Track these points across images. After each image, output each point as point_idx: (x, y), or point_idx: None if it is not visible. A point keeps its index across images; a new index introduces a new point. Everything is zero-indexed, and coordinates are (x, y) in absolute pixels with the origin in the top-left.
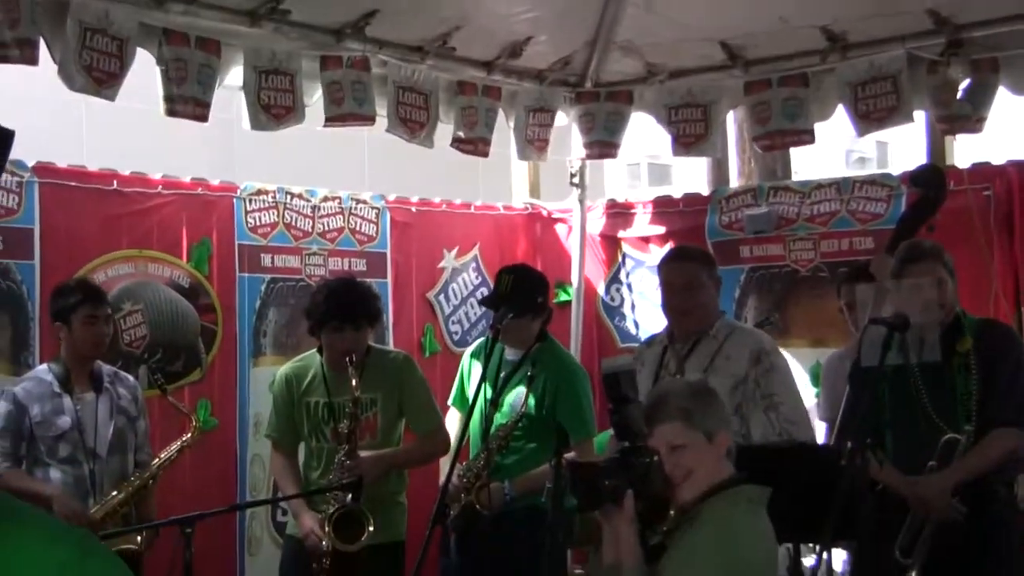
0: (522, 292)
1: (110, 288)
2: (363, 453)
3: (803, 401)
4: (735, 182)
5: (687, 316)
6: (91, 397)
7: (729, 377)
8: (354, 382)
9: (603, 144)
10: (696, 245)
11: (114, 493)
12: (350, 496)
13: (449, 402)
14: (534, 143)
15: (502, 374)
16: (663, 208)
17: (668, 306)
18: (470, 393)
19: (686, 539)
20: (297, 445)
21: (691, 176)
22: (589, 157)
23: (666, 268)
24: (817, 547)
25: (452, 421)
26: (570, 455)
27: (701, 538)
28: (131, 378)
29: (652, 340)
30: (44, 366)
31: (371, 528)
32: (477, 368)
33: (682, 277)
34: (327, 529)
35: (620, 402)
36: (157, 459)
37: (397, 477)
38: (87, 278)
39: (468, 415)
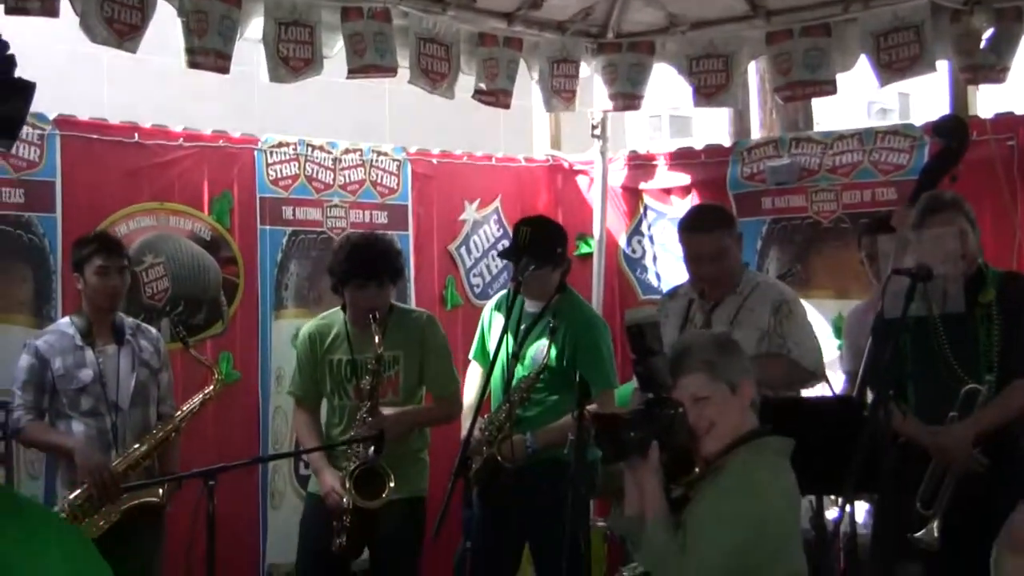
0: (541, 244)
1: (131, 241)
2: (385, 410)
3: (818, 342)
4: (757, 133)
5: (716, 283)
6: (113, 350)
7: (754, 330)
8: (377, 339)
9: (627, 96)
10: (715, 204)
11: (136, 446)
12: (372, 449)
13: (470, 356)
14: (561, 94)
15: (523, 326)
16: (684, 160)
17: (696, 275)
18: (491, 347)
19: (710, 490)
20: (320, 402)
21: (712, 128)
22: (614, 109)
23: (689, 239)
24: (839, 499)
25: (473, 375)
26: (592, 407)
27: (725, 489)
28: (153, 330)
29: (675, 292)
30: (66, 319)
31: (391, 484)
32: (498, 321)
33: (708, 247)
34: (348, 486)
35: (644, 354)
36: (180, 411)
37: (419, 434)
38: (107, 231)
39: (490, 368)
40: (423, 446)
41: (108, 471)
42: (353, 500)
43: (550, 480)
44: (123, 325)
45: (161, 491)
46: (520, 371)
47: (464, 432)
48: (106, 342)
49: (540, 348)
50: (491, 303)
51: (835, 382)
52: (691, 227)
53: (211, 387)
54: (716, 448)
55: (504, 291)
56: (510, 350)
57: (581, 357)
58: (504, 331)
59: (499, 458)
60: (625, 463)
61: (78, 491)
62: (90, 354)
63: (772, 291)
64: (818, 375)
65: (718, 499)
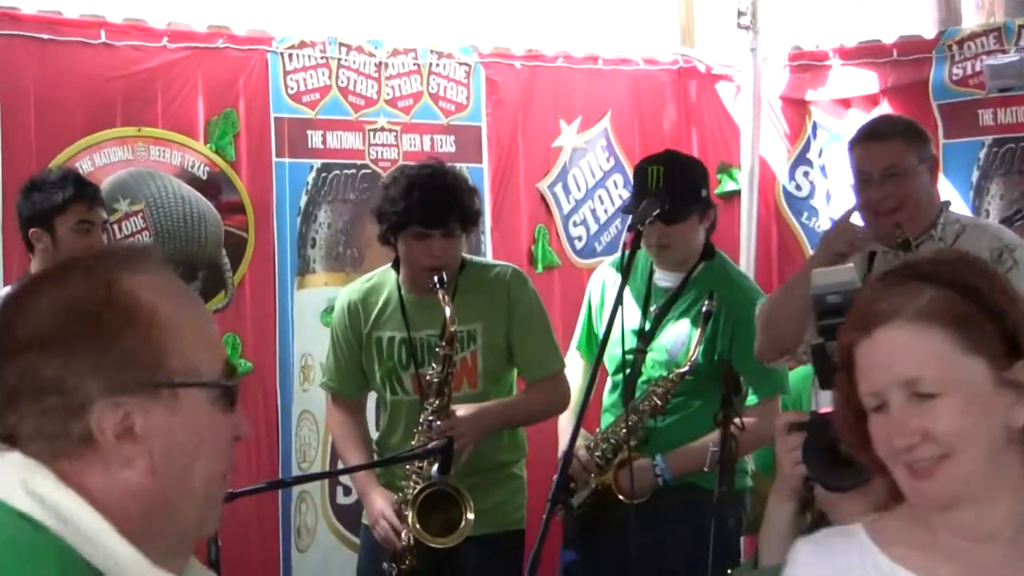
0: (681, 184)
1: (98, 181)
2: (459, 409)
3: None
4: (971, 19)
5: (891, 216)
6: None
7: None
8: (447, 311)
9: None
10: (900, 116)
11: None
12: (436, 468)
13: (573, 345)
14: None
15: (653, 307)
16: (869, 57)
17: (864, 203)
18: (599, 332)
19: None
20: (364, 397)
21: (907, 11)
22: None
23: (858, 151)
24: None
25: (575, 370)
26: (749, 420)
27: None
28: None
29: None
30: (6, 290)
31: (470, 516)
32: (614, 294)
33: (880, 161)
34: (410, 517)
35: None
36: None
37: (511, 440)
38: (69, 169)
39: (596, 360)
40: (518, 457)
41: None
42: (417, 536)
43: (682, 514)
44: None
45: None
46: (653, 370)
47: (563, 445)
48: None
49: (678, 338)
50: (604, 269)
51: None
52: (858, 136)
53: None
54: None
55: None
56: (627, 340)
57: (739, 349)
58: (617, 304)
59: (615, 490)
60: (846, 493)
61: None
62: None
63: (986, 235)
64: None
65: None
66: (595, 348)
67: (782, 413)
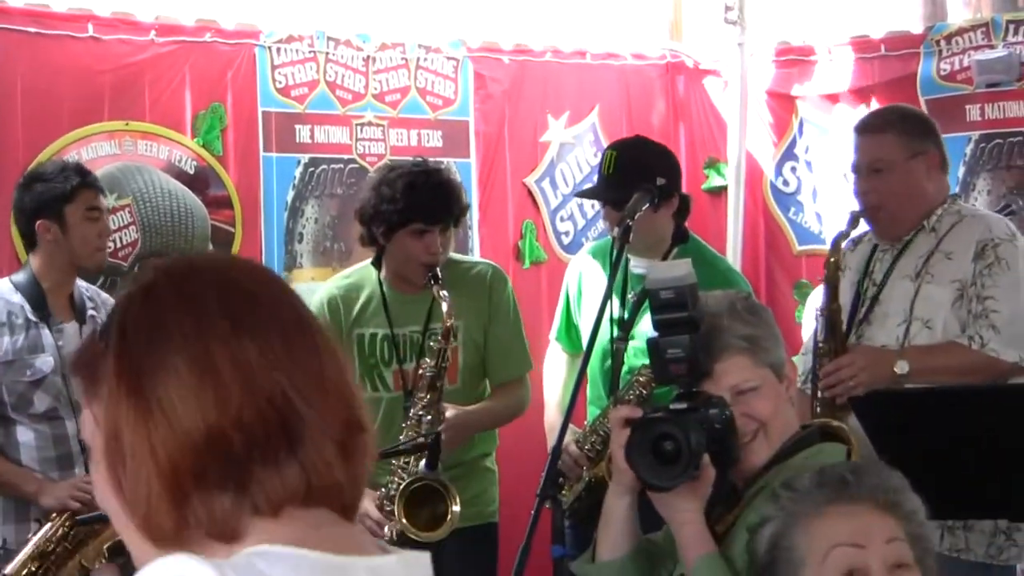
0: (634, 171)
1: None
2: (448, 410)
3: None
4: (956, 14)
5: (876, 211)
6: (73, 328)
7: (949, 285)
8: (444, 306)
9: None
10: (901, 106)
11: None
12: (424, 462)
13: (552, 336)
14: None
15: (631, 294)
16: (857, 52)
17: (856, 194)
18: (580, 321)
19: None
20: None
21: (894, 7)
22: None
23: (854, 141)
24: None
25: (556, 362)
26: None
27: None
28: None
29: (860, 239)
30: (5, 282)
31: (456, 507)
32: (592, 282)
33: (866, 155)
34: (397, 512)
35: (679, 328)
36: None
37: (485, 433)
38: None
39: (587, 353)
40: (489, 450)
41: (86, 490)
42: (403, 530)
43: None
44: (82, 295)
45: None
46: (635, 359)
47: (552, 441)
48: (64, 318)
49: None
50: (579, 259)
51: None
52: (855, 128)
53: None
54: (762, 459)
55: (597, 242)
56: (615, 327)
57: None
58: (606, 297)
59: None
60: (674, 489)
61: (45, 528)
62: (47, 334)
63: (978, 226)
64: None
65: None
66: (574, 338)
67: (618, 407)
